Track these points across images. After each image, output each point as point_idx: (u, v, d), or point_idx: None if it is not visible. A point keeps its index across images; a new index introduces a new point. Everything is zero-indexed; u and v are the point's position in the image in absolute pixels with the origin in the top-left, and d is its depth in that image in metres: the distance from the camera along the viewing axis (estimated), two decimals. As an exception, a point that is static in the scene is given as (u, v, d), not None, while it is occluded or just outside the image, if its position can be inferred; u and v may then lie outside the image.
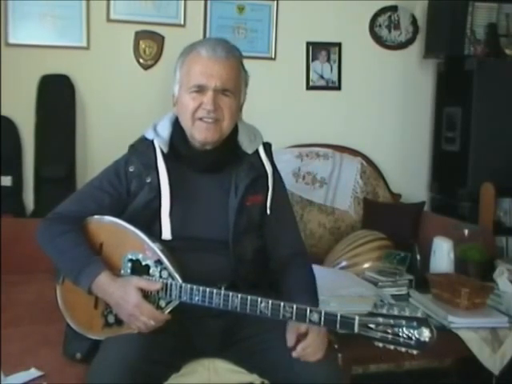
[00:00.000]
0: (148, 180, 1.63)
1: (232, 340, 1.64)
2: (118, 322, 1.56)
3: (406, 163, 3.46)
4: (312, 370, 1.48)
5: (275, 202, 1.70)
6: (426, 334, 1.29)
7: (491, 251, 2.56)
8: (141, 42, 3.05)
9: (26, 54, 2.90)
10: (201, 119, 1.61)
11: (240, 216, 1.63)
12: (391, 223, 2.88)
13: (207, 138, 1.62)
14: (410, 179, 3.45)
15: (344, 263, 2.55)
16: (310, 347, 1.48)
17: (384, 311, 1.34)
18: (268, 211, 1.68)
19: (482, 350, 1.95)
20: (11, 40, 2.87)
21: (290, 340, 1.51)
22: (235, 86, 1.63)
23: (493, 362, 1.96)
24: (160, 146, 1.67)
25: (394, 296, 2.24)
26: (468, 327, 1.98)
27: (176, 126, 1.69)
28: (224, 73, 1.59)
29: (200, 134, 1.62)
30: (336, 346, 1.76)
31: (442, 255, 2.37)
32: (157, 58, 3.07)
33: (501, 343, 1.97)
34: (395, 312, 1.33)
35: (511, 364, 1.99)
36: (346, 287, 2.16)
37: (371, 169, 3.26)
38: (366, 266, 2.50)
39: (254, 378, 1.66)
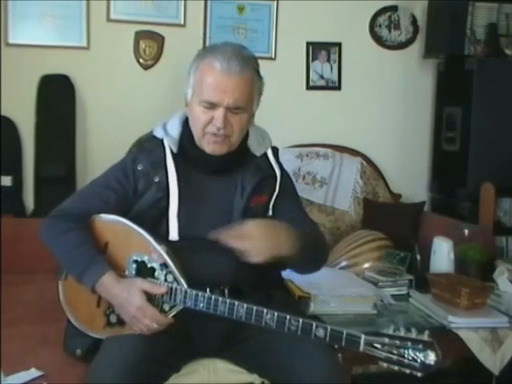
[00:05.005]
0: (156, 179, 1.63)
1: (232, 341, 1.64)
2: (120, 322, 1.56)
3: (406, 163, 3.46)
4: (312, 369, 1.48)
5: (282, 203, 1.70)
6: (431, 357, 1.29)
7: (491, 251, 2.56)
8: (141, 42, 3.05)
9: (26, 54, 2.90)
10: (210, 134, 1.60)
11: (245, 217, 1.62)
12: (391, 223, 2.88)
13: (215, 151, 1.62)
14: (410, 179, 3.44)
15: (344, 263, 2.55)
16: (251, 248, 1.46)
17: (390, 331, 1.33)
18: (270, 212, 1.69)
19: (482, 350, 1.95)
20: (11, 40, 2.87)
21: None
22: (247, 102, 1.61)
23: (493, 362, 1.96)
24: (170, 145, 1.67)
25: (393, 296, 2.24)
26: (468, 327, 1.98)
27: (186, 126, 1.69)
28: (237, 90, 1.56)
29: (208, 146, 1.62)
30: (336, 346, 1.76)
31: (442, 255, 2.37)
32: (157, 58, 3.07)
33: (501, 343, 1.97)
34: (401, 333, 1.32)
35: (511, 364, 1.99)
36: (346, 287, 2.16)
37: (371, 169, 3.25)
38: (366, 265, 2.50)
39: (254, 377, 1.66)
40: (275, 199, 1.70)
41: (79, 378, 1.55)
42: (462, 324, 1.98)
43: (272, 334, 1.54)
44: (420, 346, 1.29)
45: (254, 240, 1.47)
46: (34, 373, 1.61)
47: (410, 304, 2.21)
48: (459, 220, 2.82)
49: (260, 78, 1.66)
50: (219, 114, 1.57)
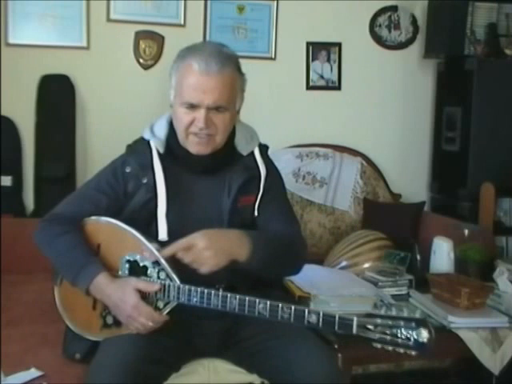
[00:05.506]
0: (144, 181, 1.63)
1: (232, 340, 1.64)
2: (117, 322, 1.56)
3: (406, 163, 3.46)
4: (312, 370, 1.48)
5: (266, 203, 1.68)
6: (424, 334, 1.29)
7: (491, 251, 2.55)
8: (141, 42, 3.05)
9: (26, 54, 2.90)
10: (193, 134, 1.60)
11: (233, 217, 1.63)
12: (391, 223, 2.88)
13: (200, 151, 1.62)
14: (410, 179, 3.45)
15: (344, 263, 2.55)
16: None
17: (382, 312, 1.33)
18: (256, 213, 1.68)
19: (482, 350, 1.95)
20: (11, 40, 2.87)
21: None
22: (229, 101, 1.60)
23: (493, 362, 1.96)
24: (156, 146, 1.67)
25: (393, 296, 2.24)
26: (468, 327, 1.97)
27: (172, 126, 1.69)
28: (217, 90, 1.56)
29: (193, 147, 1.62)
30: (336, 346, 1.76)
31: (442, 255, 2.37)
32: (157, 58, 3.07)
33: (501, 343, 1.97)
34: (393, 313, 1.33)
35: (511, 364, 1.99)
36: (346, 287, 2.15)
37: (371, 169, 3.25)
38: (366, 265, 2.50)
39: (254, 378, 1.66)
40: (260, 199, 1.68)
41: (79, 378, 1.55)
42: (461, 324, 1.97)
43: (271, 334, 1.55)
44: (413, 325, 1.29)
45: (199, 251, 1.46)
46: (33, 373, 1.61)
47: (410, 304, 2.20)
48: (459, 220, 2.82)
49: (241, 75, 1.65)
50: (200, 114, 1.57)
